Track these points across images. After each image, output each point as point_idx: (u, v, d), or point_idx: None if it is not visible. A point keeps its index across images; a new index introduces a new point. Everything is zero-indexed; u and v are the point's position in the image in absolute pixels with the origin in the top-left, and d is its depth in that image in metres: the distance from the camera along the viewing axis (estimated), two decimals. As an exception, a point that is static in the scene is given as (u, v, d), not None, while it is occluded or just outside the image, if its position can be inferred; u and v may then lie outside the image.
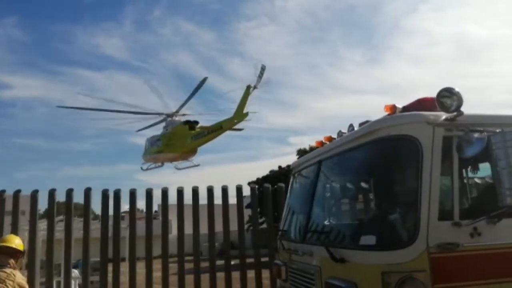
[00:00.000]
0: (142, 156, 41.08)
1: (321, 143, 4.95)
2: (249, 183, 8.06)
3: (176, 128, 42.04)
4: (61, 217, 9.13)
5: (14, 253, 4.70)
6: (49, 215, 7.62)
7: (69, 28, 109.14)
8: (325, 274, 3.91)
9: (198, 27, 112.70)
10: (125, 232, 7.76)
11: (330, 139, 4.75)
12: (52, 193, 7.57)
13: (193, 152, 36.80)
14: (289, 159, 48.40)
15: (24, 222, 8.07)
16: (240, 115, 37.75)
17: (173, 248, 7.48)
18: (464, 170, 3.76)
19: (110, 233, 7.72)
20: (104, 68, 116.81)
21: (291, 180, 6.00)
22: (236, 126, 38.16)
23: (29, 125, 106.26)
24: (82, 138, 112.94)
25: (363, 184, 3.85)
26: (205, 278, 7.48)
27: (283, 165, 44.34)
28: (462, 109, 3.26)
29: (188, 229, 7.69)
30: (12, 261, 4.63)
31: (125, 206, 8.82)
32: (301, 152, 34.74)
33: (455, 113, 3.30)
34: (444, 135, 3.32)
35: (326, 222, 4.63)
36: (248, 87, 39.79)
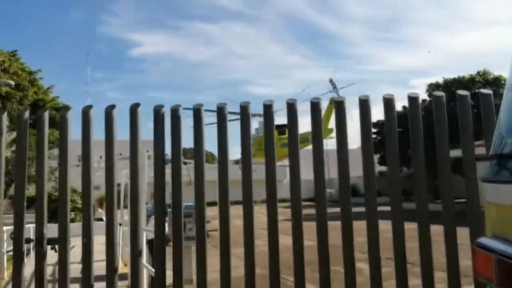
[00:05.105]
0: None
1: None
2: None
3: None
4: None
5: None
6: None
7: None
8: None
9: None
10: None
11: None
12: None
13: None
14: (412, 103, 42.15)
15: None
16: (325, 131, 34.72)
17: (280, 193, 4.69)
18: None
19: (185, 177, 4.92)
20: (219, 20, 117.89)
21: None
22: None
23: (157, 79, 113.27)
24: (203, 89, 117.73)
25: None
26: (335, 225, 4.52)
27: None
28: None
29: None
30: None
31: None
32: (432, 87, 28.75)
33: None
34: None
35: None
36: (332, 101, 35.28)
